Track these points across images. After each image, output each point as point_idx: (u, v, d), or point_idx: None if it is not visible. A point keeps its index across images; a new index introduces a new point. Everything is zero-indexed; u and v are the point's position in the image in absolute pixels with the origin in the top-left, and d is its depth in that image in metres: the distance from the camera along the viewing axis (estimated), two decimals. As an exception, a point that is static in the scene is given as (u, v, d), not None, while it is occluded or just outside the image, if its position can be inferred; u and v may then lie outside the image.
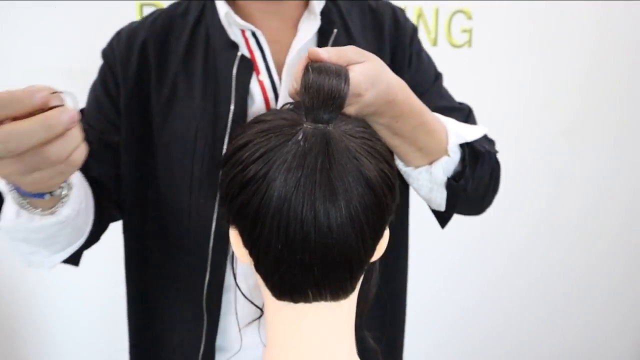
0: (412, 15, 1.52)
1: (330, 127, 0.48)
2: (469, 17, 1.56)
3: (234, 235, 0.52)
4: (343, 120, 0.51)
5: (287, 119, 0.50)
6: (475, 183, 0.74)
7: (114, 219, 0.81)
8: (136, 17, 1.36)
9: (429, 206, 0.81)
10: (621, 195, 1.83)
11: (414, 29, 0.86)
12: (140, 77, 0.76)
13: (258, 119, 0.53)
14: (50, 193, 0.55)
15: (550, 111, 1.71)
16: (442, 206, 0.76)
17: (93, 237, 0.75)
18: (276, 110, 0.56)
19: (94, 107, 0.79)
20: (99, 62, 1.37)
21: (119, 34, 0.81)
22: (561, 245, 1.82)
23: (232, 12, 0.74)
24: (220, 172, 0.53)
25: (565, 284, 1.86)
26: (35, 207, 0.57)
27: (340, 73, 0.50)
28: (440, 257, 1.70)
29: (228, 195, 0.50)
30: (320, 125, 0.48)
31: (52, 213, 0.58)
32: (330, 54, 0.52)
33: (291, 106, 0.57)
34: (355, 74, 0.53)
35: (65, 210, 0.59)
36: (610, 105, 1.75)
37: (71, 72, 1.37)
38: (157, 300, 0.81)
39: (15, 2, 1.30)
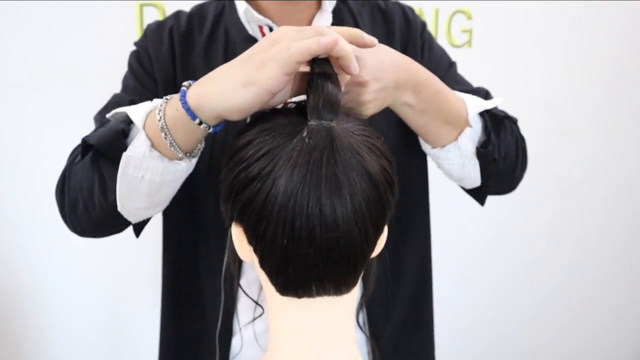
0: (412, 16, 1.53)
1: (334, 124, 0.49)
2: (469, 17, 1.57)
3: (237, 233, 0.52)
4: (343, 119, 0.52)
5: (289, 117, 0.51)
6: (503, 152, 0.77)
7: None
8: (136, 17, 1.36)
9: (464, 189, 0.84)
10: (621, 195, 1.84)
11: (424, 24, 0.90)
12: (171, 59, 0.80)
13: (259, 118, 0.53)
14: (215, 127, 0.59)
15: (550, 111, 1.71)
16: (477, 180, 0.78)
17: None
18: (275, 109, 0.56)
19: (136, 87, 0.81)
20: (99, 61, 1.37)
21: (149, 25, 0.85)
22: (561, 246, 1.82)
23: (251, 9, 0.79)
24: (223, 171, 0.53)
25: (562, 283, 1.86)
26: (172, 157, 0.61)
27: (336, 80, 0.51)
28: (441, 259, 1.70)
29: (231, 193, 0.50)
30: (324, 122, 0.49)
31: (180, 159, 0.62)
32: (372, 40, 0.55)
33: (291, 106, 0.57)
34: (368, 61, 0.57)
35: (194, 160, 0.64)
36: (611, 106, 1.75)
37: (72, 72, 1.37)
38: (188, 274, 0.84)
39: (16, 2, 1.30)
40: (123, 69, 1.45)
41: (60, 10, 1.32)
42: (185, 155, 0.61)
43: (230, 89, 0.52)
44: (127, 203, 0.64)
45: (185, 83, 0.58)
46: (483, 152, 0.75)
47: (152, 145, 0.60)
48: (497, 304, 1.82)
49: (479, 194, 0.82)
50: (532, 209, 1.76)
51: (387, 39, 0.85)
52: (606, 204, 1.83)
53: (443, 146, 0.75)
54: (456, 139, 0.74)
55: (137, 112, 0.61)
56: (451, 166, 0.77)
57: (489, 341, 1.85)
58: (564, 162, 1.76)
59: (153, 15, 1.36)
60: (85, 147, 0.65)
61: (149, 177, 0.61)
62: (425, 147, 0.77)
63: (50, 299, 1.48)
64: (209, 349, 0.82)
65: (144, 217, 0.70)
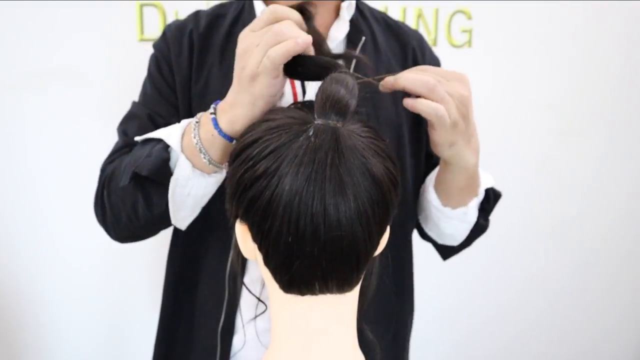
0: (412, 16, 1.53)
1: (340, 124, 0.50)
2: (469, 17, 1.57)
3: (242, 231, 0.53)
4: (349, 121, 0.52)
5: (295, 117, 0.52)
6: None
7: None
8: (136, 17, 1.36)
9: (433, 241, 0.89)
10: (621, 196, 1.84)
11: (439, 62, 0.93)
12: (189, 62, 0.83)
13: (265, 117, 0.55)
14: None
15: (550, 111, 1.71)
16: (458, 241, 0.85)
17: None
18: (283, 108, 0.58)
19: (153, 96, 0.84)
20: (99, 62, 1.37)
21: (169, 26, 0.86)
22: (561, 246, 1.82)
23: None
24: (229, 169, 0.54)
25: (564, 285, 1.86)
26: (209, 170, 0.69)
27: (353, 88, 0.53)
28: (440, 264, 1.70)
29: (237, 191, 0.51)
30: (330, 122, 0.50)
31: (215, 172, 0.69)
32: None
33: (298, 106, 0.58)
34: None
35: (224, 172, 0.71)
36: (610, 106, 1.75)
37: (72, 72, 1.37)
38: (192, 269, 0.86)
39: (16, 2, 1.30)
40: (123, 69, 1.45)
41: (60, 10, 1.32)
42: (221, 165, 0.68)
43: (246, 109, 0.61)
44: (176, 214, 0.73)
45: (210, 111, 0.65)
46: (483, 225, 0.82)
47: (193, 165, 0.67)
48: (498, 307, 1.82)
49: (448, 250, 0.89)
50: (531, 209, 1.76)
51: (400, 54, 0.86)
52: (607, 204, 1.83)
53: (454, 207, 0.78)
54: (467, 204, 0.78)
55: (173, 138, 0.69)
56: (446, 226, 0.82)
57: (491, 345, 1.85)
58: (564, 162, 1.77)
59: (153, 15, 1.36)
60: (135, 174, 0.72)
61: (194, 193, 0.70)
62: (434, 201, 0.80)
63: (49, 300, 1.48)
64: (208, 345, 0.82)
65: (189, 222, 0.78)
